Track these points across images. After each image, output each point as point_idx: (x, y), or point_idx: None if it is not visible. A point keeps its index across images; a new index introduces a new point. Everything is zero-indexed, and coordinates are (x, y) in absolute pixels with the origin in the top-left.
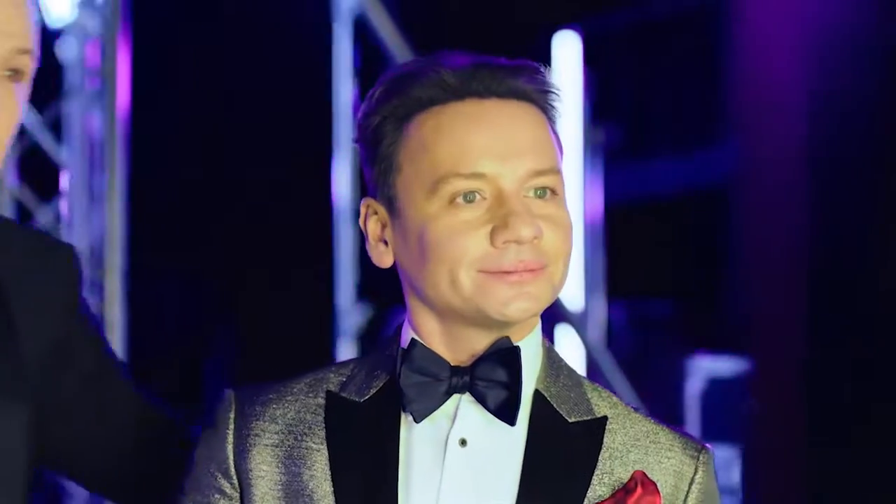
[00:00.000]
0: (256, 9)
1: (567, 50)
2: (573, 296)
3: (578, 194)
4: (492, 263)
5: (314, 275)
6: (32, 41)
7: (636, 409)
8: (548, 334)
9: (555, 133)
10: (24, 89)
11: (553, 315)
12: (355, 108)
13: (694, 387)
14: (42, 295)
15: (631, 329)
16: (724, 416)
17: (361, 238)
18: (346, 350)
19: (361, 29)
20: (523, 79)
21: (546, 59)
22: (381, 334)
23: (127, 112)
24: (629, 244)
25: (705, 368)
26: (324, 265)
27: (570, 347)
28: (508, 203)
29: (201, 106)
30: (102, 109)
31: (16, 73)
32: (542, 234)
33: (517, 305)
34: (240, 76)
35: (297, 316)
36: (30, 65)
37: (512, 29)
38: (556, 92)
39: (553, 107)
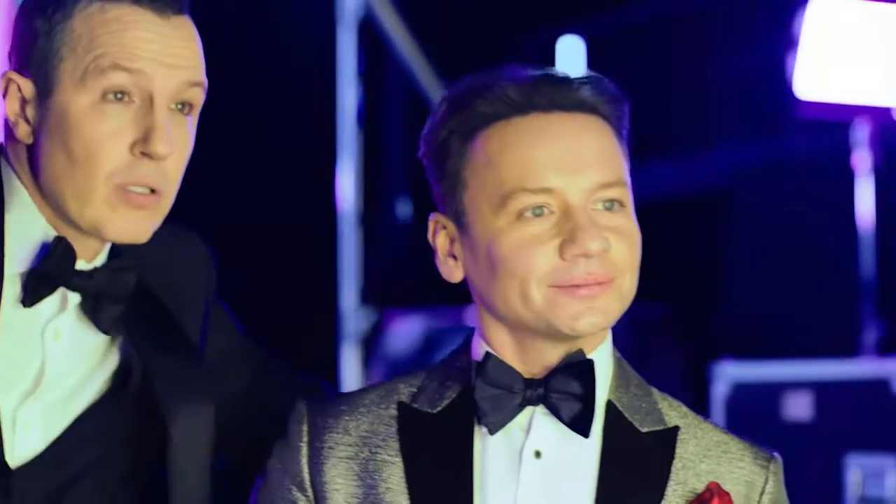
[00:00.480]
0: (259, 10)
1: (571, 54)
2: None
3: None
4: (561, 277)
5: (318, 279)
6: (202, 73)
7: (705, 419)
8: None
9: (621, 143)
10: (193, 121)
11: None
12: (360, 111)
13: (719, 391)
14: (189, 287)
15: (628, 331)
16: (751, 423)
17: (366, 242)
18: (350, 354)
19: (366, 31)
20: (588, 90)
21: (551, 62)
22: (380, 339)
23: None
24: None
25: (731, 373)
26: (328, 269)
27: None
28: (576, 216)
29: (205, 108)
30: None
31: (186, 106)
32: (610, 246)
33: (587, 320)
34: (243, 78)
35: (300, 320)
36: (200, 97)
37: (516, 32)
38: (623, 102)
39: (619, 117)
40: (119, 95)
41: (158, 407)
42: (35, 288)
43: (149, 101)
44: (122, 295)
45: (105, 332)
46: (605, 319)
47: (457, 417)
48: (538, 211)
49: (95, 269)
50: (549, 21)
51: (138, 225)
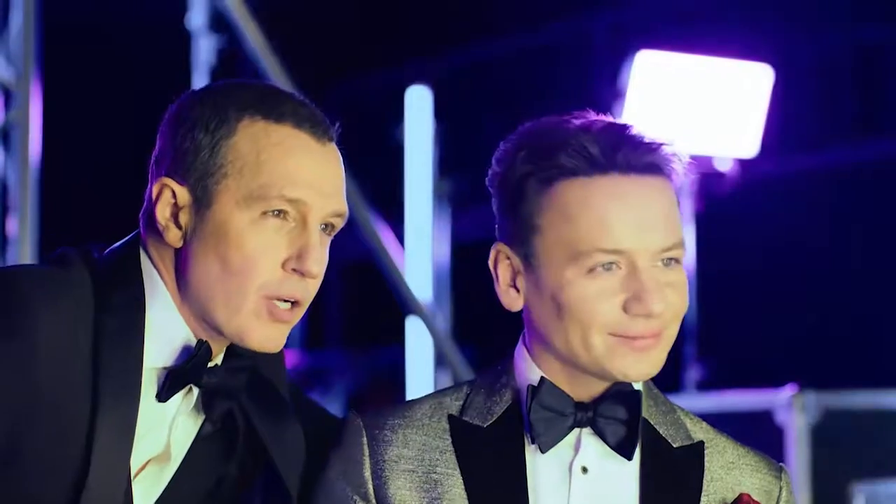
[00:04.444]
0: (165, 55)
1: (419, 105)
2: (422, 287)
3: (428, 239)
4: (622, 329)
5: None
6: (346, 204)
7: (720, 432)
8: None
9: (679, 201)
10: (330, 239)
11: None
12: None
13: None
14: (278, 366)
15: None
16: None
17: None
18: None
19: (219, 77)
20: (660, 155)
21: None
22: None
23: (38, 159)
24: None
25: None
26: None
27: (419, 337)
28: (641, 277)
29: (113, 151)
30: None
31: (329, 227)
32: (668, 305)
33: (638, 370)
34: (150, 120)
35: None
36: (342, 222)
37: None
38: (686, 164)
39: (678, 174)
40: (277, 213)
41: (275, 471)
42: (171, 385)
43: (302, 222)
44: (235, 391)
45: (213, 423)
46: (654, 370)
47: (507, 433)
48: (608, 266)
49: (216, 367)
50: (395, 65)
51: (277, 336)
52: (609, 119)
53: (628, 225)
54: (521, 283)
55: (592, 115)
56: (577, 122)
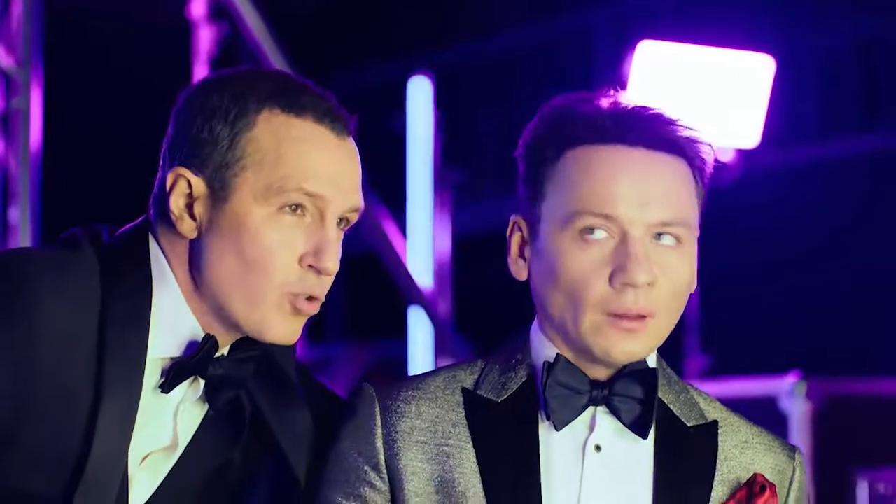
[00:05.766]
0: (166, 44)
1: (420, 94)
2: (424, 277)
3: (429, 230)
4: (610, 306)
5: None
6: (362, 198)
7: (733, 412)
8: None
9: (697, 183)
10: (343, 233)
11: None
12: None
13: None
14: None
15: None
16: None
17: None
18: None
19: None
20: (673, 131)
21: (401, 102)
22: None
23: (38, 146)
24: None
25: None
26: None
27: (421, 327)
28: (630, 247)
29: (114, 139)
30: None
31: (343, 221)
32: (656, 280)
33: (622, 348)
34: (150, 108)
35: None
36: (357, 217)
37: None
38: (704, 144)
39: (699, 158)
40: (294, 208)
41: (283, 456)
42: (175, 377)
43: (320, 218)
44: (241, 382)
45: (216, 411)
46: (641, 352)
47: (521, 409)
48: (598, 233)
49: (222, 357)
50: (399, 57)
51: (296, 330)
52: (634, 100)
53: (625, 193)
54: (527, 252)
55: (620, 95)
56: (601, 98)
